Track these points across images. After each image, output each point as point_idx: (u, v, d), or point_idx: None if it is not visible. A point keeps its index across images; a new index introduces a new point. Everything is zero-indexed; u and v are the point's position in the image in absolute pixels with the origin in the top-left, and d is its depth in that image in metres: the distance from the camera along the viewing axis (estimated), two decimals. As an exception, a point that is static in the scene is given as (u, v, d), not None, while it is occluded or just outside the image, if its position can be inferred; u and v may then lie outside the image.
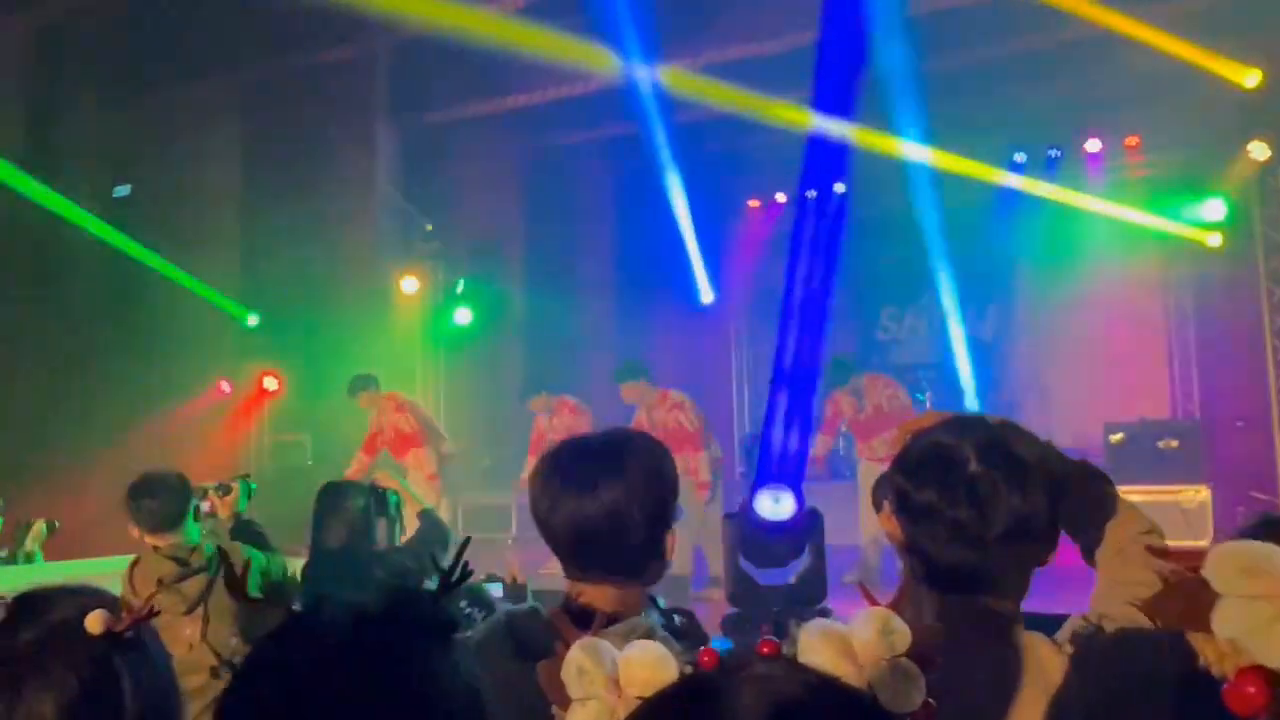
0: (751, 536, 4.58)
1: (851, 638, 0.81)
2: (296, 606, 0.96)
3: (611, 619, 1.58)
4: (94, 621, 1.14)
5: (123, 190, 9.86)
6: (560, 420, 8.33)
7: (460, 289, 11.02)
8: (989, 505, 1.40)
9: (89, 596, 1.19)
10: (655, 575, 1.66)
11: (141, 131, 9.62)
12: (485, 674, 0.97)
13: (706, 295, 11.86)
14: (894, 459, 1.54)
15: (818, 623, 0.82)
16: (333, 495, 3.69)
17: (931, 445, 1.49)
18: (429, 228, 10.80)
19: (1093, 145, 10.48)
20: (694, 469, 7.64)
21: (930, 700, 0.80)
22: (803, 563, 4.67)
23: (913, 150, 9.35)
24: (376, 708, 0.86)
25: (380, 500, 3.93)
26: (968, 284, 10.46)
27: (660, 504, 1.62)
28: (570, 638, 0.93)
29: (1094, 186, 10.44)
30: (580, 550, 1.60)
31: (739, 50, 8.92)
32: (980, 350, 10.68)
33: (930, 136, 9.19)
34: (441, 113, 10.49)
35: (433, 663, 0.91)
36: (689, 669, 0.80)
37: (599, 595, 1.62)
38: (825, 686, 0.74)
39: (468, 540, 1.16)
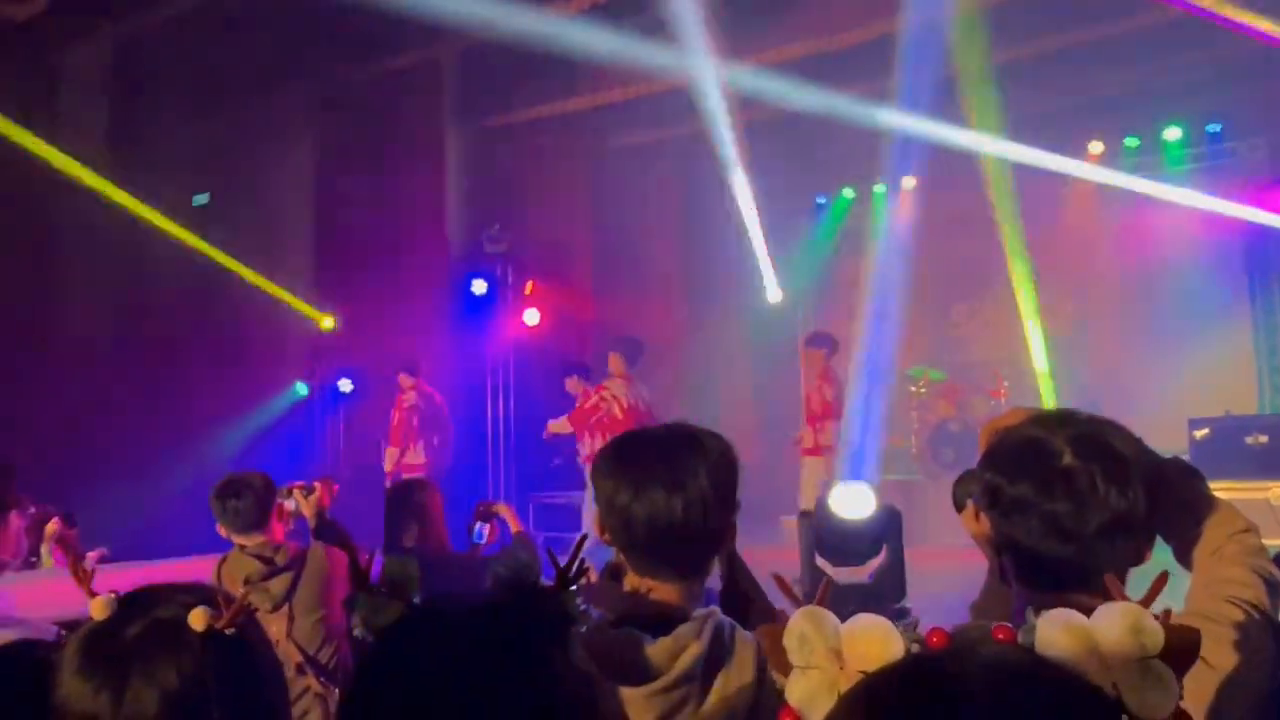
0: (827, 534, 4.52)
1: (1097, 632, 0.77)
2: (416, 599, 0.97)
3: (680, 614, 1.58)
4: (197, 618, 1.17)
5: (202, 198, 10.10)
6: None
7: (529, 290, 11.09)
8: (1087, 500, 1.37)
9: (193, 594, 1.22)
10: (711, 568, 1.66)
11: (220, 140, 9.84)
12: None
13: (774, 293, 11.79)
14: (983, 455, 1.52)
15: (1060, 613, 0.78)
16: (403, 497, 3.74)
17: (1024, 440, 1.46)
18: (497, 230, 10.89)
19: (1172, 133, 10.22)
20: None
21: (1184, 708, 0.75)
22: (880, 561, 4.61)
23: (985, 141, 9.19)
24: (496, 699, 0.87)
25: (488, 519, 3.97)
26: (1043, 277, 10.25)
27: (732, 499, 1.63)
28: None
29: (1174, 175, 10.18)
30: (658, 545, 1.60)
31: (806, 46, 8.84)
32: (1055, 345, 10.45)
33: (1004, 127, 9.03)
34: (510, 115, 10.58)
35: (551, 656, 0.92)
36: (915, 647, 0.78)
37: (668, 590, 1.62)
38: (1067, 681, 0.71)
39: (584, 537, 1.17)
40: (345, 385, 10.28)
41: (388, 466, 9.02)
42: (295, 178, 10.48)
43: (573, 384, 8.78)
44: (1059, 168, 10.08)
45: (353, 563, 1.03)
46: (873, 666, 0.78)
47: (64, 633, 1.43)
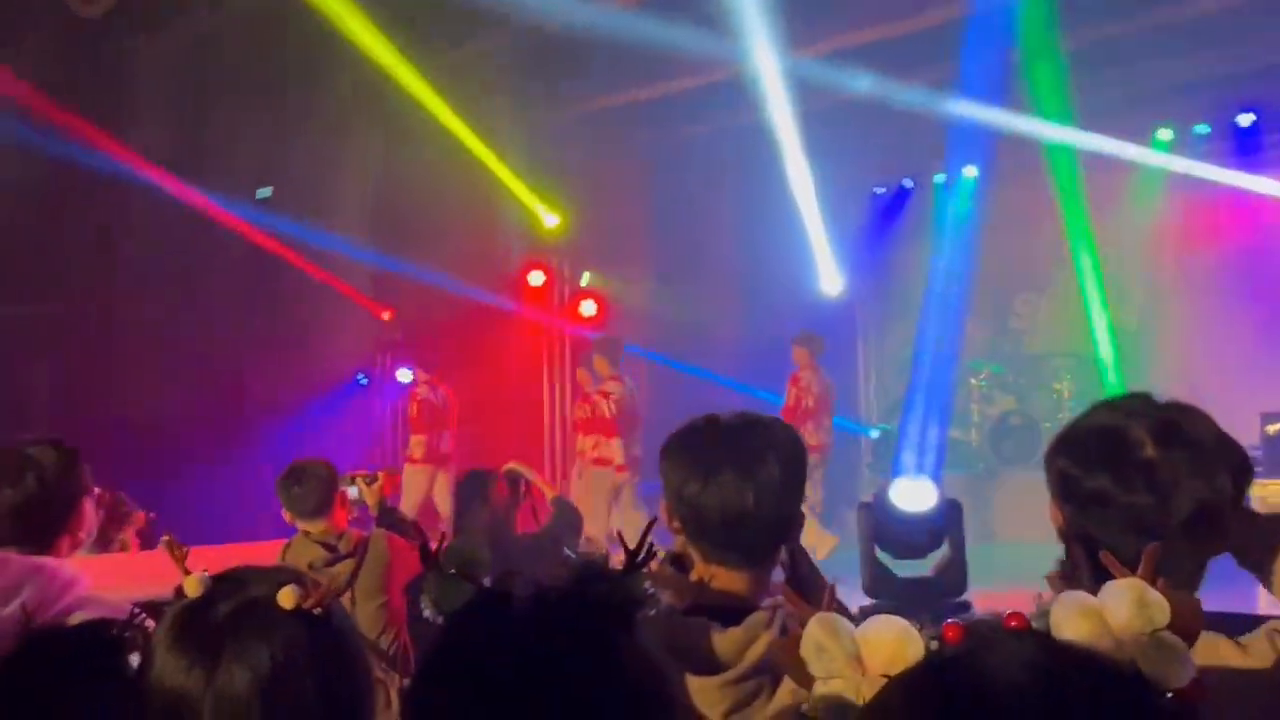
0: (888, 527, 4.48)
1: (1105, 611, 0.77)
2: (486, 582, 0.97)
3: (748, 603, 1.57)
4: (286, 597, 1.18)
5: (265, 192, 10.27)
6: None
7: (586, 281, 11.12)
8: (1170, 493, 1.32)
9: (282, 574, 1.24)
10: (778, 558, 1.65)
11: (284, 134, 9.99)
12: None
13: (833, 285, 11.69)
14: (1054, 442, 1.48)
15: (1070, 595, 0.78)
16: (476, 483, 3.78)
17: (1100, 428, 1.42)
18: (555, 221, 10.93)
19: (1245, 119, 9.93)
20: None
21: (1199, 679, 0.75)
22: (942, 554, 4.55)
23: (1050, 129, 9.02)
24: (565, 681, 0.87)
25: (516, 487, 4.02)
26: (1109, 268, 10.04)
27: (801, 487, 1.61)
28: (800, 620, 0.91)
29: (1246, 163, 9.90)
30: (728, 534, 1.59)
31: (867, 33, 8.73)
32: (1123, 338, 10.24)
33: (1069, 114, 8.84)
34: (568, 107, 10.60)
35: (619, 639, 0.92)
36: (934, 644, 0.77)
37: (735, 580, 1.61)
38: (1087, 660, 0.71)
39: (653, 521, 1.17)
40: (404, 376, 10.38)
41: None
42: (357, 171, 10.61)
43: (585, 377, 8.82)
44: (1126, 155, 9.86)
45: (423, 546, 1.04)
46: (895, 669, 0.78)
47: (141, 613, 1.46)
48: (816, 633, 0.84)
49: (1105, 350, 10.06)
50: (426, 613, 0.97)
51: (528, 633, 0.90)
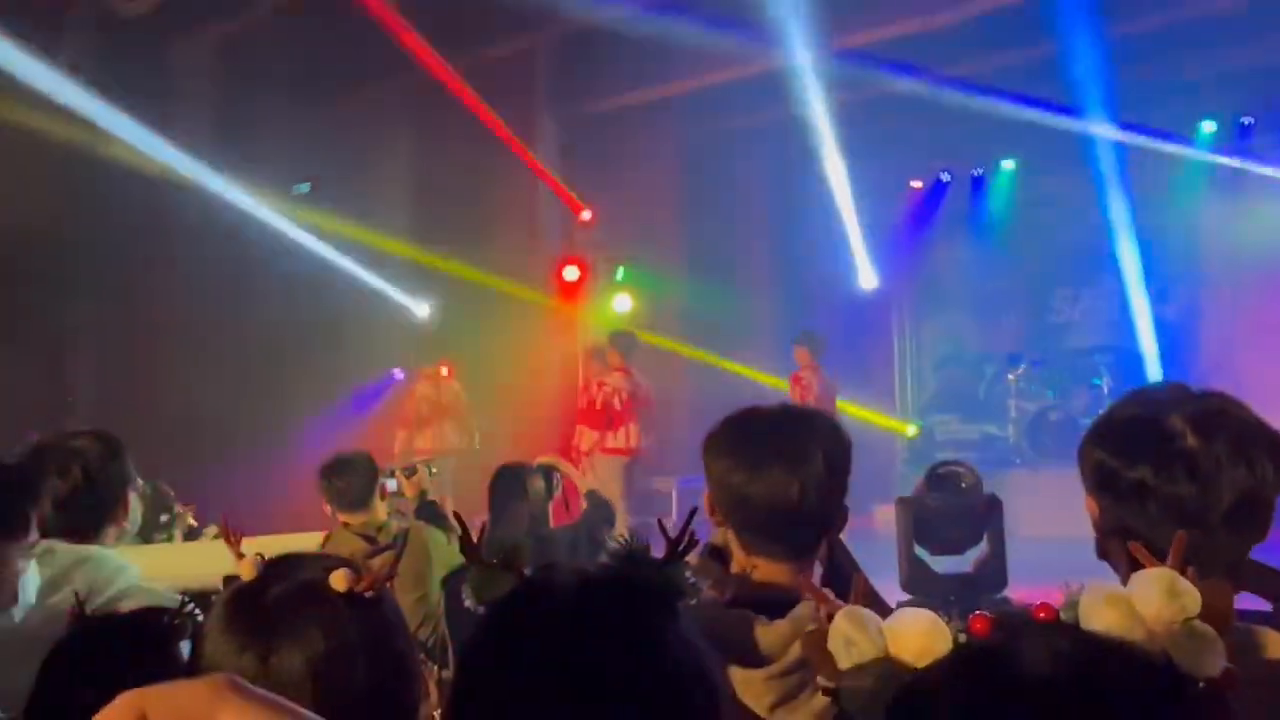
0: (926, 522, 4.45)
1: (1135, 601, 0.76)
2: (527, 572, 0.97)
3: (792, 595, 1.56)
4: (338, 579, 1.19)
5: (303, 187, 10.37)
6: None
7: (620, 276, 11.12)
8: (1212, 481, 1.30)
9: (333, 560, 1.25)
10: (821, 550, 1.64)
11: (321, 131, 10.08)
12: None
13: (868, 279, 11.62)
14: (1089, 434, 1.46)
15: (1098, 585, 0.78)
16: (512, 478, 3.80)
17: (1136, 418, 1.39)
18: (590, 216, 10.94)
19: (1290, 111, 9.76)
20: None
21: (1232, 667, 0.74)
22: (981, 550, 4.52)
23: (1090, 122, 8.90)
24: (607, 670, 0.87)
25: (550, 481, 4.03)
26: (1151, 262, 9.89)
27: (845, 480, 1.61)
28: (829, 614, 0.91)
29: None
30: (773, 525, 1.59)
31: (903, 26, 8.66)
32: (1165, 332, 10.09)
33: (1110, 106, 8.73)
34: (602, 102, 10.61)
35: (661, 628, 0.91)
36: (962, 636, 0.77)
37: (778, 572, 1.60)
38: (1118, 650, 0.71)
39: (694, 511, 1.17)
40: (441, 371, 10.45)
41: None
42: (393, 167, 10.69)
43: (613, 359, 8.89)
44: (1168, 148, 9.72)
45: (464, 536, 1.04)
46: (924, 661, 0.77)
47: (190, 601, 1.47)
48: (844, 626, 0.84)
49: (1147, 344, 9.92)
50: (468, 603, 0.97)
51: (570, 620, 0.90)
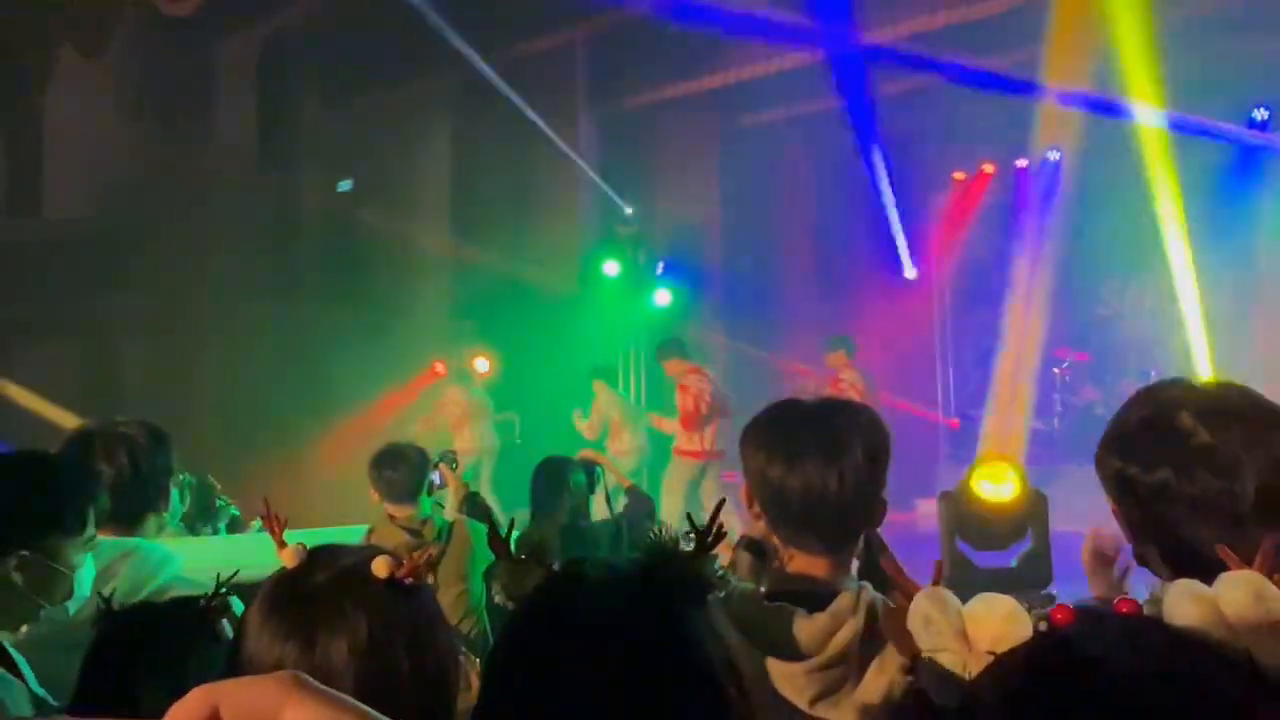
0: (969, 517, 4.39)
1: (1221, 601, 0.75)
2: (556, 566, 0.97)
3: (830, 589, 1.55)
4: (380, 565, 1.19)
5: (346, 184, 10.46)
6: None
7: (660, 270, 11.12)
8: (1234, 472, 1.26)
9: (373, 550, 1.25)
10: (859, 543, 1.63)
11: (363, 127, 10.16)
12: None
13: (910, 271, 11.53)
14: (1103, 443, 1.42)
15: (1184, 583, 0.77)
16: (555, 471, 3.81)
17: (1145, 420, 1.36)
18: (629, 210, 10.95)
19: (1346, 97, 9.55)
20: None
21: None
22: (1025, 545, 4.45)
23: (1140, 109, 8.75)
24: (635, 660, 0.87)
25: (592, 475, 4.03)
26: (1201, 252, 9.71)
27: (884, 473, 1.60)
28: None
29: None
30: (811, 518, 1.57)
31: (947, 15, 8.56)
32: (1217, 325, 9.90)
33: (1160, 93, 8.57)
34: (640, 96, 10.60)
35: (689, 619, 0.91)
36: (1043, 625, 0.76)
37: (817, 564, 1.59)
38: (1201, 643, 0.71)
39: (722, 502, 1.16)
40: (481, 365, 10.50)
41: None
42: (434, 162, 10.76)
43: (676, 366, 8.37)
44: (1220, 135, 9.54)
45: (493, 531, 1.04)
46: (1002, 647, 0.76)
47: (224, 587, 1.49)
48: (925, 606, 0.83)
49: (1197, 338, 9.74)
50: (497, 598, 0.97)
51: (598, 612, 0.90)
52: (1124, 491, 1.37)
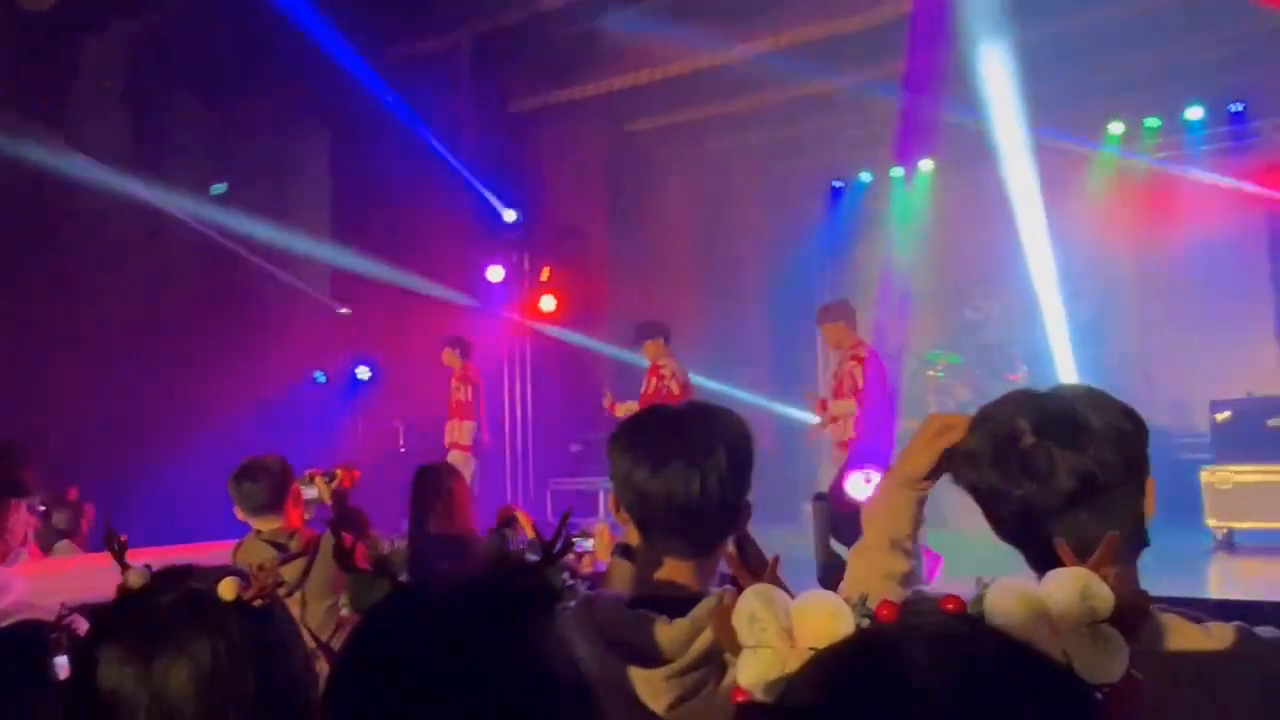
0: (843, 518, 4.52)
1: (1047, 600, 0.76)
2: (403, 579, 0.97)
3: (695, 594, 1.57)
4: (227, 588, 1.17)
5: (219, 188, 10.15)
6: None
7: (545, 276, 11.10)
8: (1048, 474, 1.31)
9: (224, 571, 1.22)
10: (726, 548, 1.65)
11: (237, 130, 9.88)
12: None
13: (791, 278, 11.76)
14: (959, 451, 1.47)
15: (1008, 581, 0.77)
16: (433, 480, 3.76)
17: (989, 429, 1.42)
18: (514, 216, 10.89)
19: (1194, 113, 10.10)
20: None
21: (1135, 673, 0.74)
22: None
23: (1006, 123, 9.11)
24: (482, 674, 0.87)
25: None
26: (1064, 260, 10.16)
27: (749, 477, 1.62)
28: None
29: (1197, 156, 10.07)
30: (675, 523, 1.59)
31: (824, 28, 8.77)
32: (1078, 329, 10.36)
33: (1024, 108, 8.94)
34: (526, 101, 10.57)
35: (536, 631, 0.91)
36: (866, 622, 0.77)
37: (683, 570, 1.60)
38: (1016, 649, 0.70)
39: (569, 513, 1.17)
40: (363, 373, 10.33)
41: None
42: (312, 166, 10.52)
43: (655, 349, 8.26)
44: (1079, 148, 10.01)
45: (338, 545, 1.03)
46: (823, 643, 0.76)
47: (70, 613, 1.44)
48: (752, 601, 0.82)
49: (1060, 341, 10.17)
50: (343, 611, 0.97)
51: (440, 625, 0.89)
52: (977, 499, 1.42)
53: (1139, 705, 0.73)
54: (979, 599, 0.76)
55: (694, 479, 1.55)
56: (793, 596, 0.84)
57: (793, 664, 0.78)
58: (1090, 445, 1.33)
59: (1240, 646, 1.26)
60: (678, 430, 1.61)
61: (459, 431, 8.91)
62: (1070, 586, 0.77)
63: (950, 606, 0.73)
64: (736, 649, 0.82)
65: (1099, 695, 0.72)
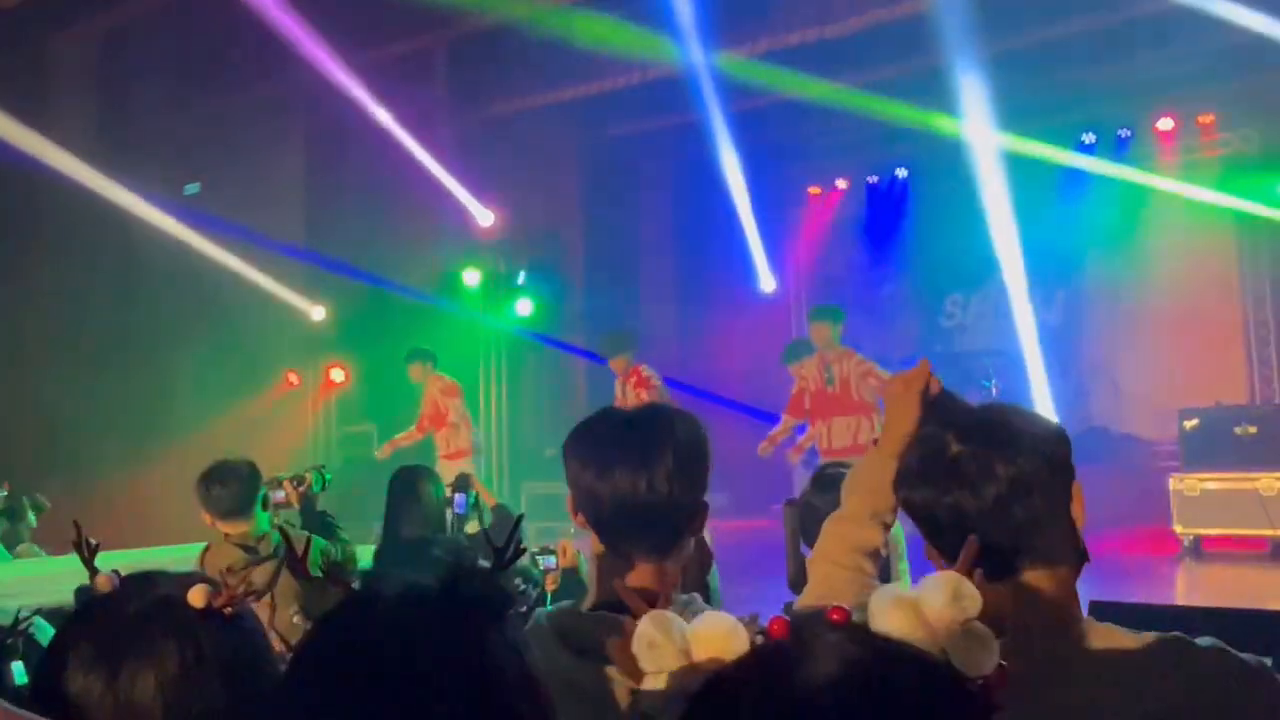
0: (813, 523, 4.52)
1: (922, 603, 0.79)
2: (356, 585, 0.97)
3: (655, 598, 1.57)
4: (196, 595, 1.16)
5: (193, 188, 10.08)
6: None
7: (521, 280, 11.09)
8: (976, 480, 1.34)
9: (192, 577, 1.21)
10: (688, 552, 1.66)
11: (211, 129, 9.82)
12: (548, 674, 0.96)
13: (767, 283, 11.80)
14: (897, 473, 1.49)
15: (886, 589, 0.80)
16: (407, 482, 3.75)
17: (920, 443, 1.44)
18: (490, 220, 10.88)
19: (1165, 124, 10.22)
20: None
21: (1004, 663, 0.78)
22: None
23: (979, 133, 9.18)
24: (431, 681, 0.87)
25: (465, 491, 3.98)
26: (1035, 268, 10.25)
27: (702, 479, 1.61)
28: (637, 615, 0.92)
29: (1166, 166, 10.19)
30: (625, 524, 1.59)
31: (800, 36, 8.82)
32: (1049, 336, 10.46)
33: (997, 118, 9.02)
34: (502, 105, 10.55)
35: (486, 637, 0.91)
36: (759, 638, 0.78)
37: (642, 573, 1.61)
38: (899, 652, 0.73)
39: (520, 518, 1.17)
40: (337, 375, 10.28)
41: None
42: (287, 167, 10.46)
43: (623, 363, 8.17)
44: (1051, 158, 10.10)
45: (290, 552, 1.03)
46: (721, 663, 0.79)
47: (27, 619, 1.42)
48: (649, 629, 0.85)
49: (1031, 349, 10.25)
50: (294, 619, 0.96)
51: (390, 632, 0.89)
52: (914, 518, 1.43)
53: (1004, 686, 0.77)
54: (862, 607, 0.79)
55: (640, 479, 1.55)
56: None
57: (692, 686, 0.79)
58: (1015, 449, 1.35)
59: (1171, 651, 1.29)
60: (625, 432, 1.61)
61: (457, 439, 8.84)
62: (944, 590, 0.80)
63: (836, 617, 0.75)
64: (639, 676, 0.84)
65: (975, 686, 0.76)
